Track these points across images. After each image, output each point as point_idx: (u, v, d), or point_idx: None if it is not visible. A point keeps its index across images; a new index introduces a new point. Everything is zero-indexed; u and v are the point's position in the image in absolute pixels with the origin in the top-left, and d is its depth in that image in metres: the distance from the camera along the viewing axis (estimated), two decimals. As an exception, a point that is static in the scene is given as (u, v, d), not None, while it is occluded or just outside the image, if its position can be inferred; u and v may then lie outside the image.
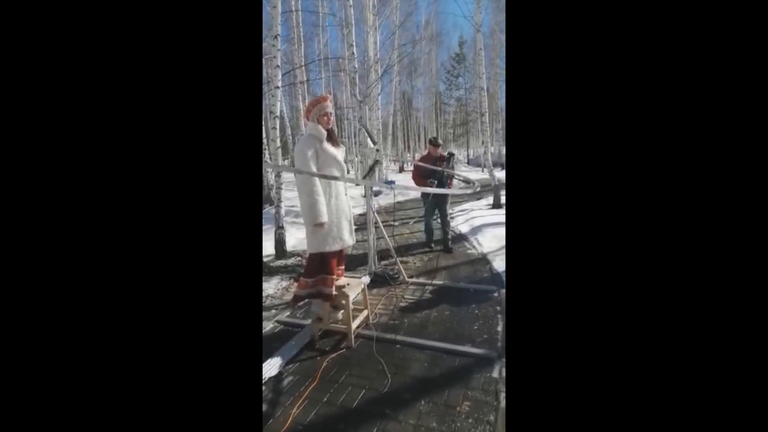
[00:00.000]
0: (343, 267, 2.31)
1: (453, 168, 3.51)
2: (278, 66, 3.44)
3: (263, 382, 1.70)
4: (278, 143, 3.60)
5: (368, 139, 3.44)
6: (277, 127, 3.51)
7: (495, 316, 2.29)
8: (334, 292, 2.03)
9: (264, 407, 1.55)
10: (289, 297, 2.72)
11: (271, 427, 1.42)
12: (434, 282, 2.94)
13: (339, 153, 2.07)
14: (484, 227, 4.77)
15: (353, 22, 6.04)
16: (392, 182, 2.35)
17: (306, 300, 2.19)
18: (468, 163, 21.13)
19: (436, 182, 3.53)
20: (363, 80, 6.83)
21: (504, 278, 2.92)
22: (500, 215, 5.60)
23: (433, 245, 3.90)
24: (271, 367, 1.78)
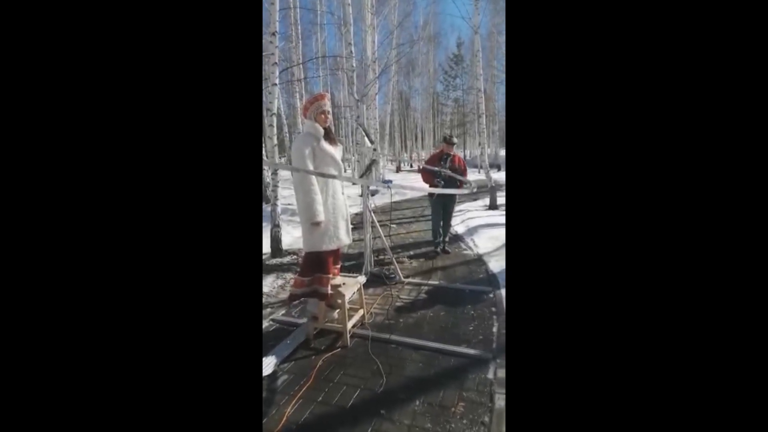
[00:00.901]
0: (340, 266, 2.30)
1: (452, 169, 3.44)
2: (276, 63, 3.42)
3: (257, 381, 1.68)
4: (275, 141, 3.58)
5: (366, 138, 3.43)
6: (274, 124, 3.49)
7: (490, 317, 2.29)
8: (330, 291, 2.02)
9: (258, 406, 1.54)
10: (284, 295, 2.71)
11: (267, 425, 1.41)
12: (430, 282, 2.94)
13: (337, 151, 2.06)
14: (480, 228, 4.78)
15: (351, 20, 6.02)
16: (390, 182, 2.35)
17: (301, 299, 2.18)
18: (464, 163, 21.12)
19: (443, 182, 3.40)
20: (361, 79, 6.82)
21: (500, 279, 2.93)
22: (496, 216, 5.62)
23: (439, 247, 3.76)
24: (266, 366, 1.77)
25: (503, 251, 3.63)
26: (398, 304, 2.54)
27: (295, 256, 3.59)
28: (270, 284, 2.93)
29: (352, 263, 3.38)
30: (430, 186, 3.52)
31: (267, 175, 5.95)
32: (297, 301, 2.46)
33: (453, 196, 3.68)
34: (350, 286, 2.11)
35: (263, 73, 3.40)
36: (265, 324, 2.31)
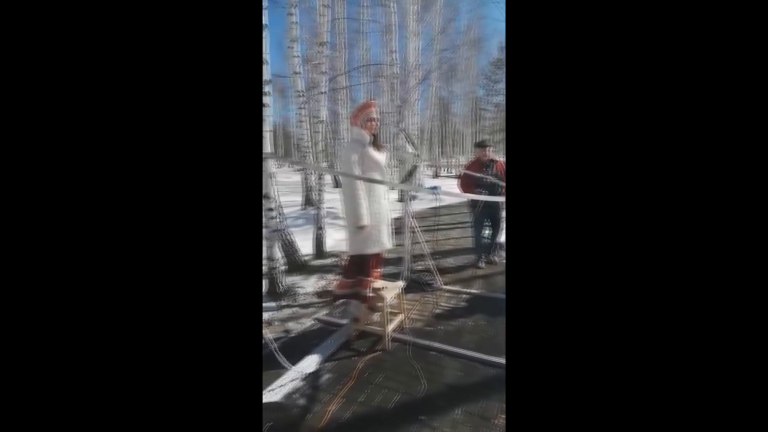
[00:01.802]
0: (381, 270, 2.34)
1: (495, 177, 3.30)
2: (324, 72, 3.56)
3: (302, 378, 1.76)
4: (321, 146, 3.71)
5: (408, 144, 3.46)
6: (321, 131, 3.63)
7: (534, 329, 2.22)
8: (371, 294, 2.06)
9: (303, 402, 1.60)
10: (326, 296, 2.80)
11: (309, 422, 1.47)
12: (470, 290, 2.90)
13: (382, 158, 2.11)
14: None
15: (396, 28, 6.11)
16: (437, 188, 2.35)
17: (344, 300, 2.25)
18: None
19: (486, 191, 3.19)
20: (402, 86, 6.88)
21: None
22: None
23: (482, 261, 3.52)
24: (309, 364, 1.84)
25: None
26: (437, 311, 2.53)
27: (336, 258, 3.69)
28: (313, 284, 3.04)
29: (391, 268, 3.41)
30: (470, 193, 3.29)
31: (312, 179, 6.17)
32: (339, 302, 2.53)
33: (499, 203, 3.43)
34: (391, 290, 2.14)
35: (310, 81, 3.55)
36: (309, 323, 2.39)
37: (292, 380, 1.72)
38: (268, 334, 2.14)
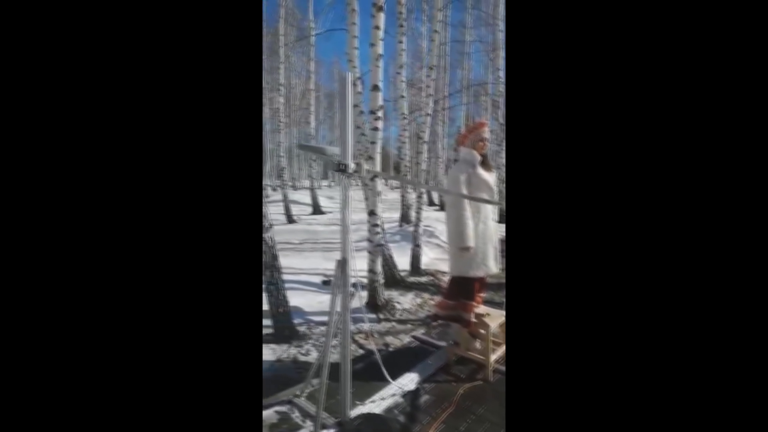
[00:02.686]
0: (484, 294, 2.24)
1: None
2: (431, 95, 3.66)
3: (402, 394, 1.76)
4: (423, 166, 3.79)
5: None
6: (424, 151, 3.71)
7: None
8: (474, 320, 1.98)
9: (402, 419, 1.60)
10: (422, 314, 2.79)
11: (410, 441, 1.46)
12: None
13: (491, 178, 2.05)
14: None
15: (502, 46, 5.99)
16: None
17: (443, 321, 2.20)
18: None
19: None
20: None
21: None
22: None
23: None
24: (408, 382, 1.84)
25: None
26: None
27: (431, 277, 3.67)
28: (410, 302, 3.07)
29: (491, 294, 3.25)
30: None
31: (411, 197, 6.33)
32: (437, 323, 2.50)
33: None
34: (495, 317, 2.02)
35: (416, 103, 3.68)
36: (406, 340, 2.41)
37: (393, 395, 1.74)
38: (370, 344, 2.22)
